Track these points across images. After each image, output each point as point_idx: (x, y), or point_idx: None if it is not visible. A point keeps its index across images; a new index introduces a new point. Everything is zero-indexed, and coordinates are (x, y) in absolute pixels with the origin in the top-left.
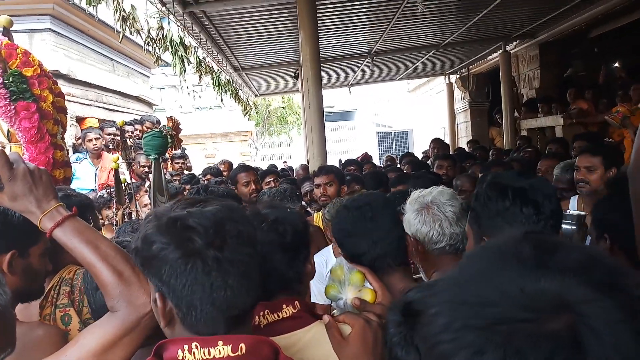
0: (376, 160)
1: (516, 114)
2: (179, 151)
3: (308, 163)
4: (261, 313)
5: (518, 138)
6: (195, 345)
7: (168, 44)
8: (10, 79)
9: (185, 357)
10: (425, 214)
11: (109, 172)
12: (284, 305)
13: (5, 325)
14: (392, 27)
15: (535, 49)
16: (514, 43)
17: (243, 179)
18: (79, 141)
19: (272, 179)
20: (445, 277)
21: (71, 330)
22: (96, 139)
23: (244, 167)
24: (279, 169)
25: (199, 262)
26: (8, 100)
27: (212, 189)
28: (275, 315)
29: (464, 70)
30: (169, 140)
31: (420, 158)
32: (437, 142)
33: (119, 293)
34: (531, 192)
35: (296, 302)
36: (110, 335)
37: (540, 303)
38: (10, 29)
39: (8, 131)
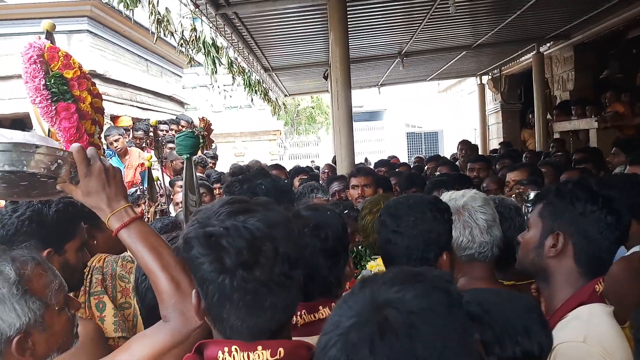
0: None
1: (549, 116)
2: (210, 151)
3: (335, 163)
4: (298, 313)
5: (551, 141)
6: (235, 349)
7: (201, 45)
8: (52, 80)
9: (225, 358)
10: (455, 219)
11: (135, 169)
12: (321, 307)
13: (43, 336)
14: (423, 28)
15: (570, 50)
16: (548, 44)
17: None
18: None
19: (305, 177)
20: None
21: (106, 316)
22: (115, 140)
23: (277, 166)
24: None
25: (228, 280)
26: (49, 101)
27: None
28: (312, 316)
29: (496, 71)
30: (201, 141)
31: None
32: (465, 144)
33: (174, 303)
34: (617, 202)
35: (333, 304)
36: (159, 345)
37: (360, 309)
38: (53, 32)
39: (49, 130)
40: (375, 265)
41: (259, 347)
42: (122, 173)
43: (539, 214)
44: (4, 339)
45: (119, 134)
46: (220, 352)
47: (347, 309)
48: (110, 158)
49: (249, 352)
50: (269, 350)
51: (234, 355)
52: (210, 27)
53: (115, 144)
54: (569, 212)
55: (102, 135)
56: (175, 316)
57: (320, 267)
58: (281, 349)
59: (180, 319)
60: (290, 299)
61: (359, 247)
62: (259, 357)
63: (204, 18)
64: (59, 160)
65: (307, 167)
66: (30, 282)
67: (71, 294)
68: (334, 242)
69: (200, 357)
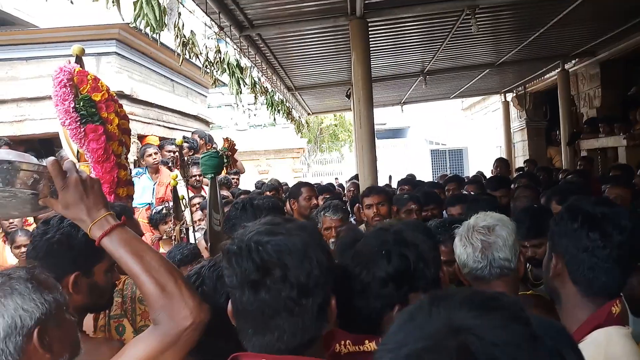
0: (429, 179)
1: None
2: (233, 169)
3: (358, 180)
4: (342, 342)
5: (578, 159)
6: None
7: (225, 66)
8: (81, 103)
9: None
10: (465, 239)
11: (166, 187)
12: (367, 341)
13: (57, 333)
14: (445, 46)
15: (596, 67)
16: (573, 61)
17: (305, 194)
18: (138, 156)
19: (328, 196)
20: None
21: (126, 339)
22: (155, 153)
23: (307, 184)
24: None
25: (238, 295)
26: (78, 123)
27: (258, 202)
28: (357, 347)
29: (520, 88)
30: (225, 160)
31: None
32: (501, 162)
33: (161, 306)
34: (602, 220)
35: (379, 339)
36: (151, 348)
37: (433, 331)
38: (82, 56)
39: (78, 151)
40: None
41: None
42: (153, 190)
43: (549, 235)
44: (25, 331)
45: (155, 150)
46: None
47: (416, 329)
48: (141, 176)
49: None
50: None
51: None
52: (235, 49)
53: (154, 157)
54: (558, 232)
55: (137, 155)
56: (165, 318)
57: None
58: None
59: (168, 321)
60: (301, 323)
61: None
62: None
63: (228, 40)
64: (35, 175)
65: (330, 184)
66: (41, 282)
67: (91, 316)
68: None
69: None
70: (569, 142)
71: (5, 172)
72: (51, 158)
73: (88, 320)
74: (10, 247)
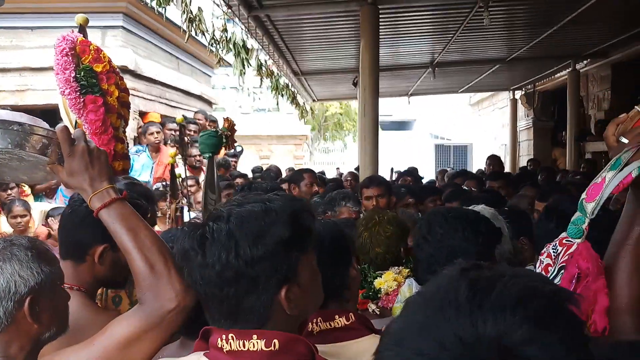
0: (432, 173)
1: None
2: (232, 150)
3: (358, 171)
4: (314, 320)
5: (582, 161)
6: (232, 337)
7: (231, 46)
8: (82, 73)
9: (222, 345)
10: None
11: (165, 166)
12: (337, 316)
13: (48, 305)
14: (456, 38)
15: (607, 69)
16: (585, 62)
17: (307, 180)
18: (140, 132)
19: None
20: (388, 332)
21: (121, 310)
22: (157, 132)
23: (309, 170)
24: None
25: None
26: (78, 94)
27: (256, 185)
28: (327, 324)
29: (529, 86)
30: (224, 140)
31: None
32: (493, 160)
33: (148, 285)
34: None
35: (350, 314)
36: (134, 327)
37: (479, 351)
38: (86, 26)
39: (76, 122)
40: (383, 281)
41: (254, 336)
42: (152, 169)
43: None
44: (17, 297)
45: (158, 129)
46: (219, 339)
47: (432, 341)
48: (140, 154)
49: (244, 341)
50: (264, 340)
51: (230, 342)
52: (242, 29)
53: (155, 135)
54: (538, 232)
55: (139, 131)
56: (150, 297)
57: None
58: (276, 341)
59: (154, 301)
60: (247, 286)
61: (361, 264)
62: (253, 346)
63: (236, 19)
64: (44, 140)
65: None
66: (41, 253)
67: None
68: (330, 245)
69: (206, 342)
70: (578, 139)
71: (16, 134)
72: (62, 124)
73: None
74: (7, 217)
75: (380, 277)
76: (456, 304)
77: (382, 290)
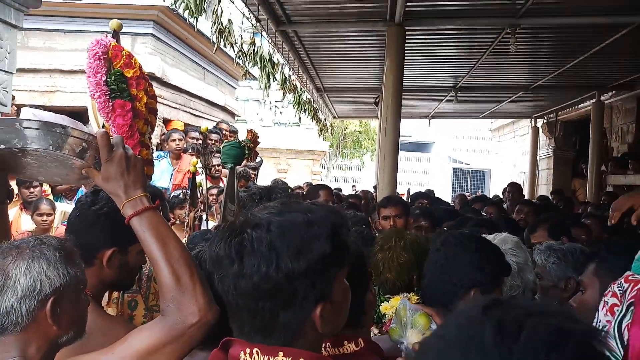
0: (448, 197)
1: (603, 168)
2: (252, 163)
3: (376, 190)
4: (323, 345)
5: (603, 194)
6: (257, 351)
7: (258, 59)
8: (113, 78)
9: (245, 359)
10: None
11: (185, 174)
12: (346, 342)
13: (69, 308)
14: (481, 63)
15: (633, 101)
16: (610, 93)
17: (323, 197)
18: (162, 139)
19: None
20: None
21: (136, 315)
22: (179, 139)
23: (325, 186)
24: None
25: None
26: (107, 97)
27: (278, 190)
28: (337, 349)
29: (552, 115)
30: (246, 152)
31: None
32: (513, 187)
33: (172, 297)
34: None
35: (359, 339)
36: (155, 339)
37: None
38: (119, 32)
39: (103, 125)
40: (390, 306)
41: (280, 353)
42: (171, 175)
43: (595, 272)
44: (41, 297)
45: (180, 136)
46: (242, 353)
47: None
48: (161, 160)
49: (270, 357)
50: (290, 358)
51: (254, 357)
52: (269, 43)
53: (177, 142)
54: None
55: (162, 137)
56: (173, 310)
57: None
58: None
59: (177, 314)
60: (284, 300)
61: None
62: None
63: (264, 33)
64: (84, 144)
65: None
66: (69, 255)
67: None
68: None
69: (225, 354)
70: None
71: (57, 136)
72: (101, 129)
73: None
74: (32, 215)
75: (388, 301)
76: (482, 351)
77: (387, 315)
